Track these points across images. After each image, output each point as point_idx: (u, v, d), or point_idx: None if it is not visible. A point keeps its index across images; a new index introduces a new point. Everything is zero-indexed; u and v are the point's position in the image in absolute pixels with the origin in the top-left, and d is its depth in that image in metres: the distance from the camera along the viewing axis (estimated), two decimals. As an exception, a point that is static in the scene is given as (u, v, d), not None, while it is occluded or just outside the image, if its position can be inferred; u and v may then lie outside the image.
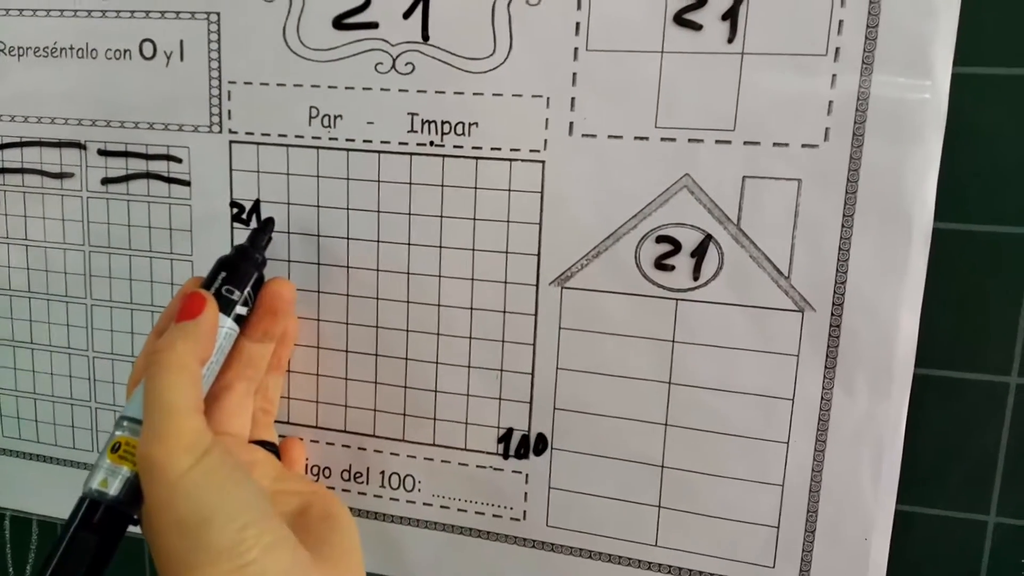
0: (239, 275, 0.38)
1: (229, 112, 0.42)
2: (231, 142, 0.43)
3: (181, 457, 0.32)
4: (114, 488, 0.33)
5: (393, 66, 0.39)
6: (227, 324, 0.38)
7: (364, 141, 0.41)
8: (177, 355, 0.34)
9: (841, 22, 0.34)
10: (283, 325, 0.40)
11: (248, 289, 0.39)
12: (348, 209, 0.41)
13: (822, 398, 0.37)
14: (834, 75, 0.35)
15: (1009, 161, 0.34)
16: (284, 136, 0.42)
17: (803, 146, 0.36)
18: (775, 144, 0.36)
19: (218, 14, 0.42)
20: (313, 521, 0.36)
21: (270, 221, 0.41)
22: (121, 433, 0.34)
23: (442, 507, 0.43)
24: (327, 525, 0.36)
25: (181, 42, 0.42)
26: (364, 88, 0.40)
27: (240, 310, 0.38)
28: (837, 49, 0.34)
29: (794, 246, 0.36)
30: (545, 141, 0.39)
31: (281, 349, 0.42)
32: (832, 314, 0.36)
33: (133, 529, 0.34)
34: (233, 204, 0.43)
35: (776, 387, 0.38)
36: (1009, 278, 0.35)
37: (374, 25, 0.39)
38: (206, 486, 0.32)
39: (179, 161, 0.44)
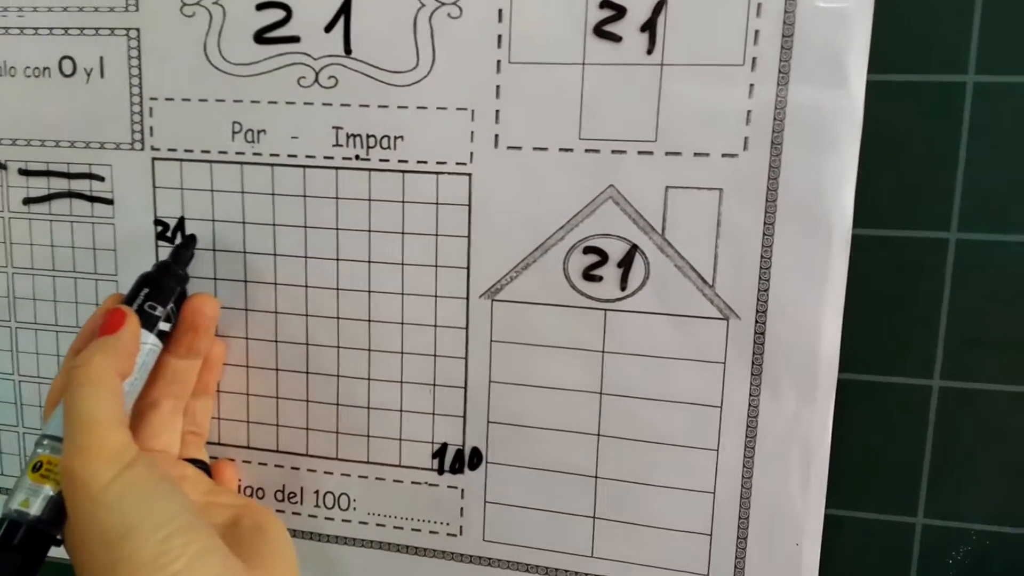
0: (161, 291, 0.38)
1: (151, 129, 0.42)
2: (154, 159, 0.42)
3: (103, 469, 0.31)
4: (36, 507, 0.33)
5: (316, 80, 0.39)
6: (150, 340, 0.37)
7: (289, 156, 0.40)
8: (95, 368, 0.34)
9: (757, 32, 0.35)
10: (207, 341, 0.40)
11: (171, 305, 0.38)
12: (274, 225, 0.41)
13: (749, 405, 0.37)
14: (752, 85, 0.35)
15: (925, 167, 0.35)
16: (207, 152, 0.41)
17: (723, 156, 0.36)
18: (696, 154, 0.36)
19: (138, 30, 0.41)
20: (245, 532, 0.36)
21: (192, 238, 0.41)
22: (42, 452, 0.34)
23: (378, 525, 0.43)
24: (259, 537, 0.36)
25: (101, 59, 0.42)
26: (287, 102, 0.40)
27: (163, 326, 0.38)
28: (754, 59, 0.35)
29: (717, 255, 0.37)
30: (471, 154, 0.38)
31: (207, 374, 0.41)
32: (756, 321, 0.37)
33: (57, 552, 0.33)
34: (157, 222, 0.42)
35: (704, 395, 0.38)
36: (929, 282, 0.36)
37: (295, 39, 0.39)
38: (129, 497, 0.31)
39: (102, 180, 0.43)
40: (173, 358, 0.39)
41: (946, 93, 0.34)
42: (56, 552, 0.34)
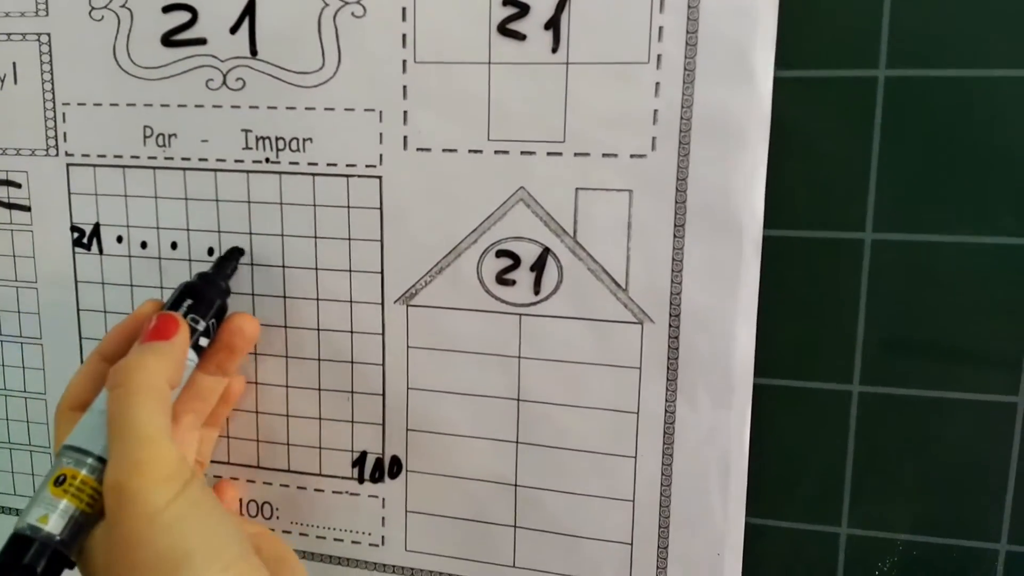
0: (204, 303, 0.36)
1: (65, 134, 0.41)
2: (68, 165, 0.41)
3: (161, 488, 0.29)
4: (55, 525, 0.30)
5: (224, 82, 0.38)
6: (189, 354, 0.35)
7: (200, 160, 0.39)
8: (150, 376, 0.31)
9: (661, 29, 0.33)
10: (239, 362, 0.38)
11: (212, 320, 0.36)
12: (188, 230, 0.40)
13: (666, 411, 0.36)
14: (657, 83, 0.34)
15: (838, 165, 0.34)
16: (120, 157, 0.40)
17: (632, 156, 0.35)
18: (604, 155, 0.35)
19: (48, 35, 0.40)
20: (269, 563, 0.33)
21: (237, 250, 0.39)
22: (67, 464, 0.31)
23: (301, 534, 0.42)
24: (282, 567, 0.35)
25: (14, 64, 0.41)
26: (196, 105, 0.39)
27: (202, 341, 0.36)
28: (659, 56, 0.34)
29: (629, 258, 0.35)
30: (380, 156, 0.37)
31: (221, 406, 0.40)
32: (670, 325, 0.36)
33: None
34: (73, 228, 0.42)
35: (621, 401, 0.37)
36: (845, 284, 0.34)
37: (202, 41, 0.38)
38: (188, 521, 0.29)
39: (18, 186, 0.42)
40: (201, 374, 0.37)
41: (857, 88, 0.33)
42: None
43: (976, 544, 0.35)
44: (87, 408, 0.34)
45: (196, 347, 0.36)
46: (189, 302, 0.36)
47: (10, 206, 0.42)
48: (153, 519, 0.29)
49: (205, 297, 0.36)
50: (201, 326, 0.36)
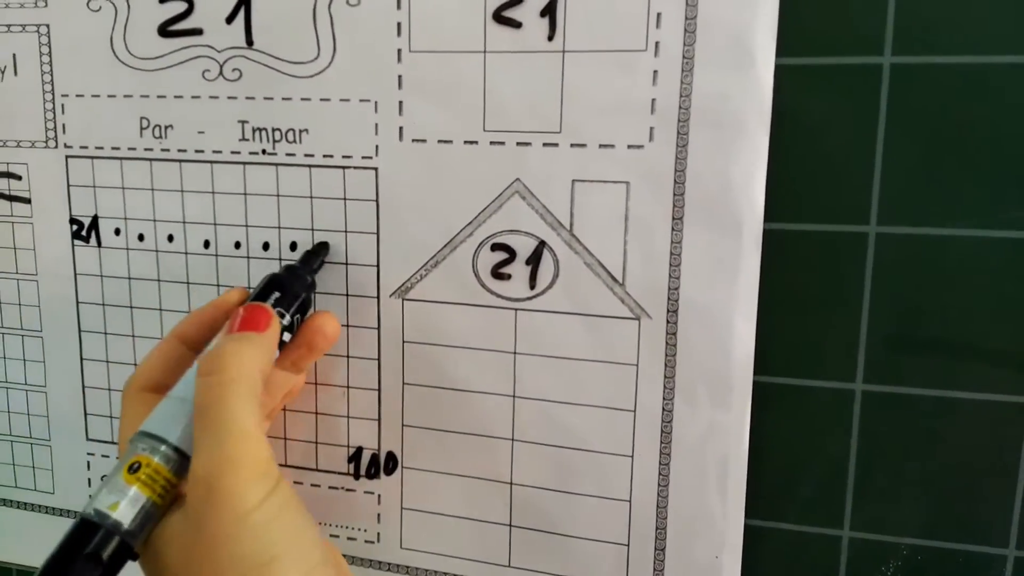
0: (289, 297, 0.35)
1: (64, 126, 0.41)
2: (67, 157, 0.41)
3: (255, 487, 0.28)
4: (126, 515, 0.29)
5: (220, 73, 0.38)
6: None
7: (196, 151, 0.39)
8: (246, 366, 0.30)
9: (659, 15, 0.33)
10: (314, 360, 0.38)
11: (296, 315, 0.35)
12: (184, 223, 0.40)
13: (663, 409, 0.35)
14: (655, 71, 0.33)
15: (841, 156, 0.33)
16: (117, 149, 0.40)
17: (629, 147, 0.34)
18: (601, 146, 0.34)
19: (48, 26, 0.40)
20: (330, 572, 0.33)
21: (324, 245, 0.38)
22: (143, 452, 0.30)
23: (297, 530, 0.42)
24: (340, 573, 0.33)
25: (14, 56, 0.41)
26: (193, 96, 0.39)
27: (284, 336, 0.35)
28: (657, 44, 0.33)
29: (626, 252, 0.35)
30: (376, 147, 0.37)
31: (275, 408, 0.39)
32: (668, 321, 0.35)
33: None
34: (72, 220, 0.42)
35: (618, 398, 0.36)
36: (848, 279, 0.33)
37: (198, 32, 0.38)
38: (278, 522, 0.28)
39: (19, 178, 0.42)
40: (275, 368, 0.36)
41: (861, 76, 0.32)
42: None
43: (983, 549, 0.34)
44: (158, 389, 0.34)
45: (280, 343, 0.34)
46: (276, 294, 0.35)
47: (11, 198, 0.42)
48: (243, 519, 0.28)
49: (290, 290, 0.35)
50: (285, 320, 0.34)
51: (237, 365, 0.30)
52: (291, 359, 0.36)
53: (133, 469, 0.30)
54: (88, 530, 0.29)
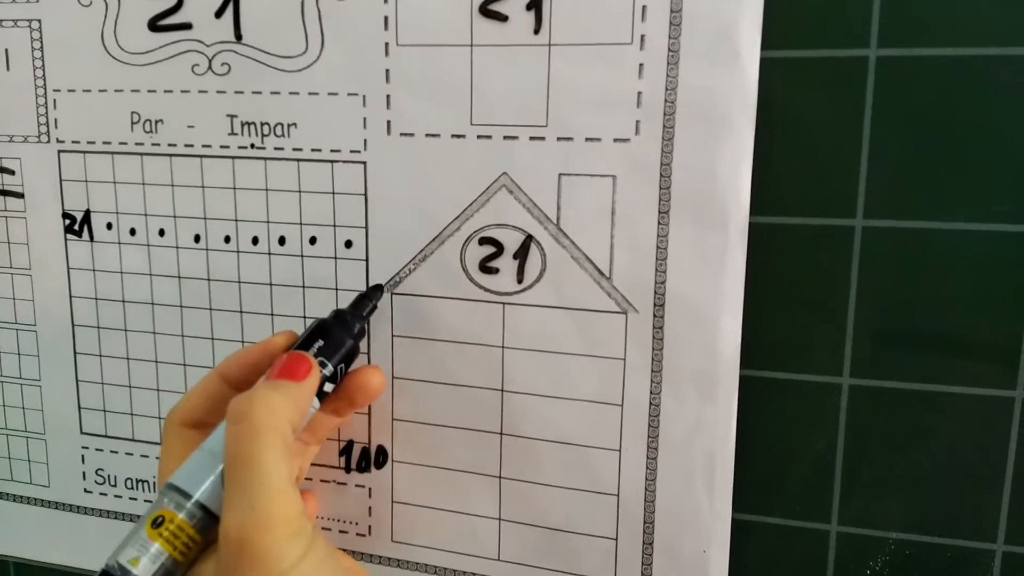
0: (333, 345, 0.34)
1: (56, 121, 0.41)
2: (59, 151, 0.41)
3: (289, 546, 0.27)
4: (144, 570, 0.29)
5: (209, 67, 0.38)
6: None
7: (186, 146, 0.39)
8: (276, 417, 0.29)
9: (644, 8, 0.33)
10: (356, 411, 0.37)
11: (340, 364, 0.34)
12: (175, 217, 0.40)
13: (651, 403, 0.35)
14: (641, 64, 0.33)
15: (827, 149, 0.32)
16: (108, 143, 0.40)
17: (615, 140, 0.34)
18: (588, 139, 0.34)
19: (39, 21, 0.40)
20: None
21: (378, 288, 0.37)
22: (168, 507, 0.30)
23: (288, 523, 0.42)
24: None
25: (6, 51, 0.41)
26: (182, 91, 0.39)
27: (327, 386, 0.34)
28: (642, 37, 0.33)
29: (613, 245, 0.35)
30: (365, 141, 0.37)
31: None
32: (655, 315, 0.35)
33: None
34: (65, 215, 0.42)
35: (605, 393, 0.36)
36: (835, 273, 0.33)
37: (188, 26, 0.38)
38: None
39: (12, 173, 0.42)
40: (319, 412, 0.35)
41: (846, 69, 0.32)
42: None
43: (971, 544, 0.34)
44: (198, 425, 0.34)
45: (319, 392, 0.33)
46: (320, 343, 0.34)
47: (4, 193, 0.43)
48: None
49: (336, 339, 0.34)
50: (328, 371, 0.33)
51: (265, 414, 0.29)
52: (332, 407, 0.36)
53: (156, 523, 0.30)
54: None
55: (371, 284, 0.38)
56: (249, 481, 0.28)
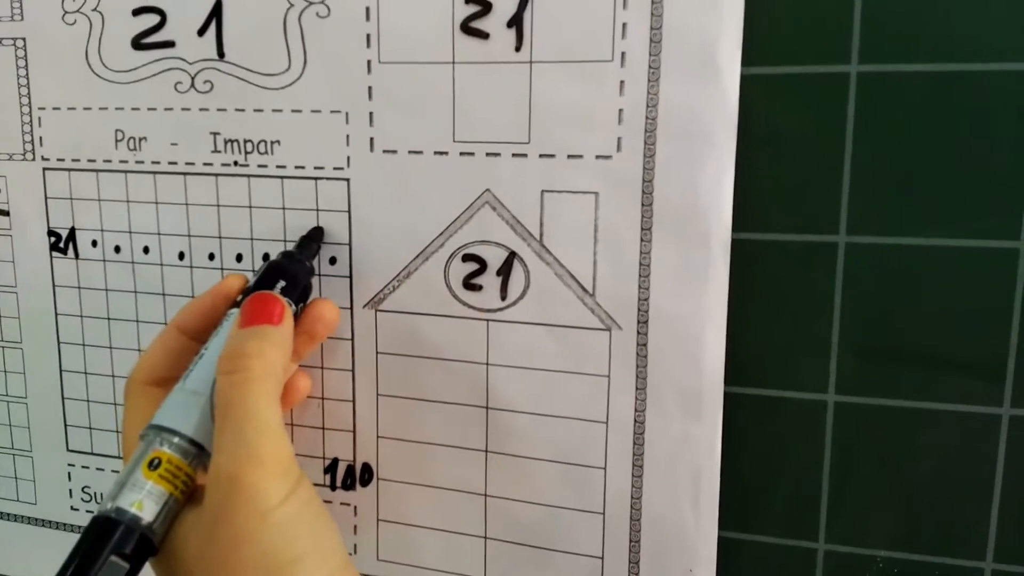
0: (295, 286, 0.34)
1: (41, 138, 0.41)
2: (44, 169, 0.41)
3: (278, 484, 0.28)
4: (151, 513, 0.28)
5: (192, 85, 0.38)
6: None
7: (169, 163, 0.39)
8: (269, 364, 0.30)
9: (625, 25, 0.32)
10: (313, 348, 0.37)
11: (300, 303, 0.35)
12: (159, 234, 0.40)
13: (635, 421, 0.35)
14: (622, 81, 0.33)
15: (809, 165, 0.32)
16: (93, 161, 0.40)
17: (597, 157, 0.34)
18: (570, 156, 0.34)
19: (24, 39, 0.40)
20: None
21: (319, 230, 0.37)
22: (163, 447, 0.30)
23: (274, 541, 0.42)
24: None
25: (-9, 69, 0.41)
26: (166, 108, 0.39)
27: None
28: (623, 54, 0.33)
29: (596, 262, 0.34)
30: (348, 158, 0.37)
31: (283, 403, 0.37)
32: (638, 332, 0.34)
33: None
34: (51, 233, 0.42)
35: (590, 410, 0.36)
36: (818, 289, 0.33)
37: (171, 44, 0.38)
38: (301, 521, 0.28)
39: (-2, 190, 0.42)
40: None
41: (828, 84, 0.32)
42: None
43: (960, 562, 0.33)
44: (161, 383, 0.33)
45: None
46: (283, 283, 0.34)
47: (-10, 210, 0.43)
48: (266, 516, 0.27)
49: (294, 278, 0.34)
50: (293, 309, 0.33)
51: (260, 365, 0.29)
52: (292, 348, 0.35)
53: (153, 465, 0.29)
54: (111, 528, 0.28)
55: (312, 227, 0.38)
56: (241, 423, 0.28)
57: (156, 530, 0.29)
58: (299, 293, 0.35)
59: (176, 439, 0.30)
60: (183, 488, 0.30)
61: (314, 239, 0.37)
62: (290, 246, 0.38)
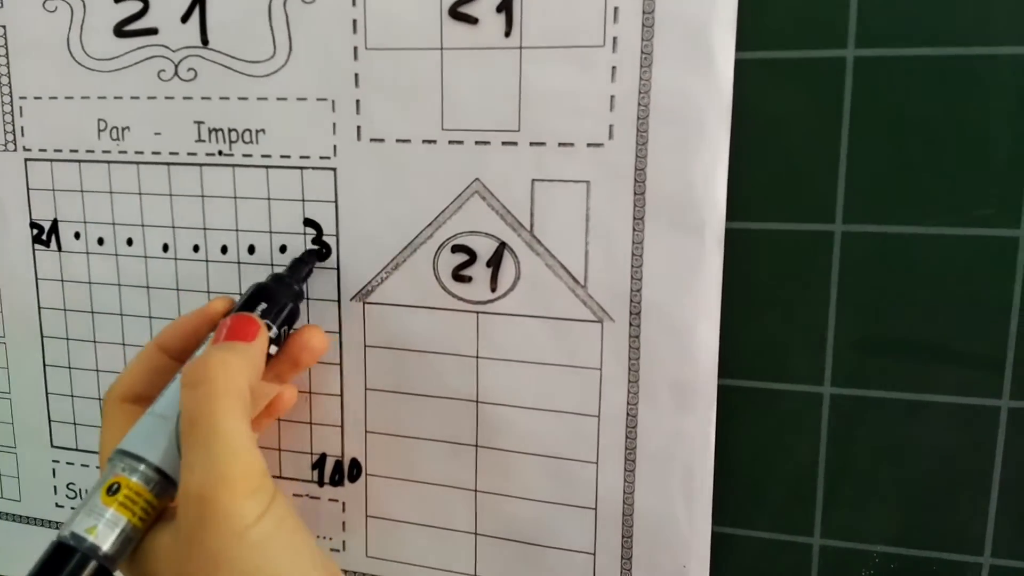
0: (276, 307, 0.34)
1: (23, 129, 0.40)
2: (26, 160, 0.41)
3: (251, 503, 0.27)
4: (106, 540, 0.28)
5: (176, 73, 0.37)
6: None
7: (153, 153, 0.38)
8: (234, 377, 0.29)
9: (616, 9, 0.32)
10: (298, 374, 0.36)
11: (284, 327, 0.34)
12: (143, 226, 0.39)
13: (628, 414, 0.34)
14: (614, 67, 0.32)
15: (805, 152, 0.32)
16: (75, 152, 0.40)
17: (589, 145, 0.33)
18: (561, 144, 0.33)
19: (4, 27, 0.40)
20: None
21: (313, 252, 0.37)
22: (122, 472, 0.29)
23: (261, 538, 0.41)
24: None
25: (-29, 57, 0.40)
26: (149, 97, 0.38)
27: (271, 348, 0.33)
28: (615, 39, 0.32)
29: (588, 253, 0.34)
30: (335, 147, 0.36)
31: (266, 416, 0.36)
32: (631, 324, 0.34)
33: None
34: (33, 225, 0.41)
35: (582, 403, 0.35)
36: (814, 279, 0.32)
37: (153, 31, 0.37)
38: (277, 539, 0.27)
39: (-22, 182, 0.41)
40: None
41: (824, 70, 0.31)
42: None
43: (958, 557, 0.33)
44: (139, 400, 0.33)
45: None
46: (264, 305, 0.33)
47: (-29, 202, 0.42)
48: (242, 536, 0.27)
49: (278, 301, 0.34)
50: (272, 332, 0.33)
51: (224, 376, 0.29)
52: (275, 372, 0.35)
53: (112, 491, 0.29)
54: (65, 555, 0.28)
55: (306, 250, 0.37)
56: (208, 441, 0.27)
57: (112, 556, 0.28)
58: (283, 315, 0.34)
59: (141, 466, 0.29)
60: (142, 515, 0.29)
61: (305, 262, 0.36)
62: (276, 237, 0.38)
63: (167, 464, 0.30)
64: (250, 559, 0.27)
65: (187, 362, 0.32)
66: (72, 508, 0.44)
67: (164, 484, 0.30)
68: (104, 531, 0.28)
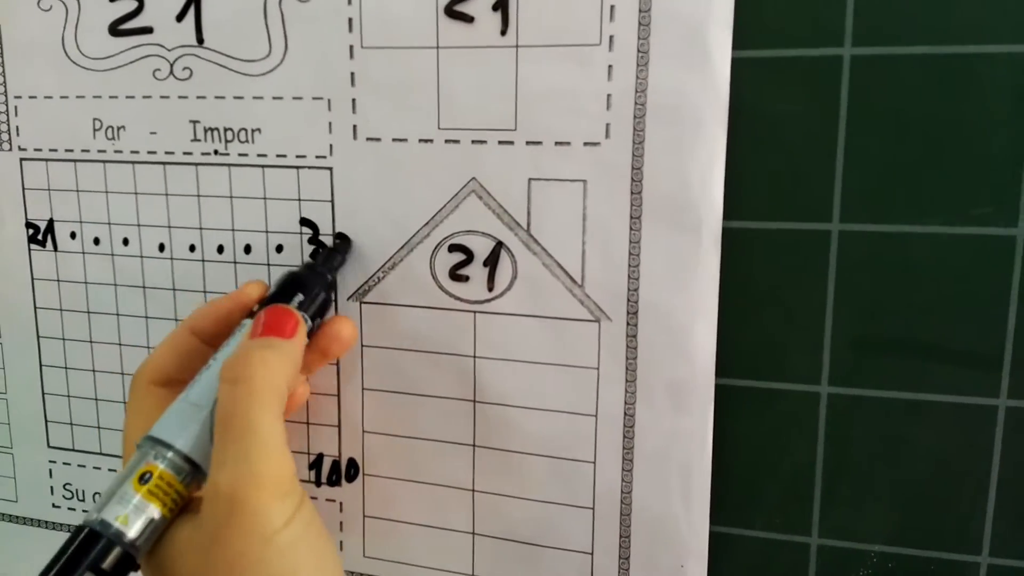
0: (311, 299, 0.33)
1: (17, 128, 0.40)
2: (22, 159, 0.40)
3: (281, 506, 0.27)
4: (135, 529, 0.27)
5: (171, 72, 0.37)
6: None
7: (149, 152, 0.38)
8: (274, 376, 0.28)
9: (613, 8, 0.32)
10: (324, 365, 0.36)
11: (318, 318, 0.34)
12: (139, 226, 0.39)
13: (625, 414, 0.34)
14: (610, 66, 0.32)
15: (802, 151, 0.32)
16: (71, 151, 0.39)
17: (585, 144, 0.33)
18: (557, 143, 0.33)
19: (-1, 26, 0.39)
20: None
21: (346, 240, 0.36)
22: (155, 462, 0.28)
23: (259, 538, 0.41)
24: None
25: (-34, 57, 0.40)
26: (144, 96, 0.38)
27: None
28: (611, 37, 0.32)
29: (585, 252, 0.34)
30: (330, 146, 0.36)
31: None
32: (628, 323, 0.34)
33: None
34: (28, 224, 0.41)
35: (579, 403, 0.35)
36: (811, 278, 0.32)
37: (148, 30, 0.37)
38: (304, 544, 0.27)
39: (-26, 181, 0.41)
40: None
41: (820, 68, 0.31)
42: None
43: (956, 556, 0.33)
44: (169, 383, 0.33)
45: None
46: (300, 297, 0.33)
47: (-34, 202, 0.42)
48: (269, 540, 0.26)
49: (313, 292, 0.33)
50: (308, 325, 0.33)
51: (264, 375, 0.28)
52: (303, 362, 0.34)
53: (144, 479, 0.28)
54: (94, 541, 0.27)
55: (337, 233, 0.36)
56: (243, 439, 0.27)
57: (140, 547, 0.28)
58: (316, 308, 0.33)
59: (170, 454, 0.29)
60: (172, 506, 0.29)
61: (339, 251, 0.36)
62: (272, 237, 0.37)
63: (198, 454, 0.29)
64: (275, 563, 0.26)
65: (222, 352, 0.31)
66: (69, 509, 0.44)
67: (193, 473, 0.29)
68: (134, 520, 0.28)
